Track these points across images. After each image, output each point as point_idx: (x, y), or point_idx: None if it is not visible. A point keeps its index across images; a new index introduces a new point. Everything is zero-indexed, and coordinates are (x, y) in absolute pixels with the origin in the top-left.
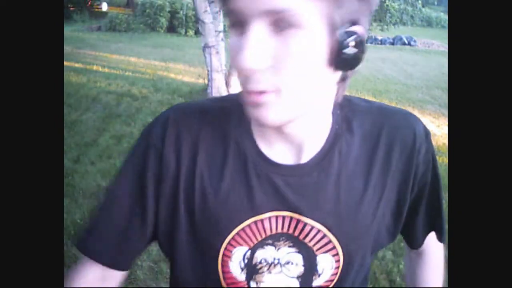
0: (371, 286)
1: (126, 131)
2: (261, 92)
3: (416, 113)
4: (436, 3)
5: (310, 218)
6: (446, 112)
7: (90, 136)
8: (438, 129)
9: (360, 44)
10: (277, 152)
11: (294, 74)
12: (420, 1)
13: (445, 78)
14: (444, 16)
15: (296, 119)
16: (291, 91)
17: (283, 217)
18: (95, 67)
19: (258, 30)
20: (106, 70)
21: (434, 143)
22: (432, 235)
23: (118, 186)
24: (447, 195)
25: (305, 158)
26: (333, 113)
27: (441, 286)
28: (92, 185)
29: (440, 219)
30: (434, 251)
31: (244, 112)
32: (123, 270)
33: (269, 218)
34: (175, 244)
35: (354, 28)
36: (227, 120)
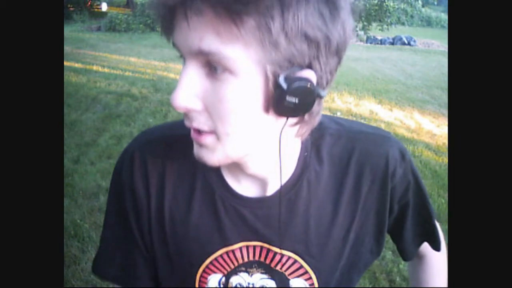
0: (371, 286)
1: (126, 131)
2: (200, 133)
3: (416, 113)
4: (436, 3)
5: (279, 247)
6: (446, 112)
7: (90, 136)
8: (438, 129)
9: (304, 92)
10: (244, 185)
11: (226, 119)
12: (420, 1)
13: (445, 78)
14: (444, 16)
15: (247, 159)
16: (227, 136)
17: (254, 247)
18: (95, 67)
19: (192, 69)
20: (106, 70)
21: (434, 142)
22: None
23: (107, 222)
24: (447, 195)
25: (272, 190)
26: (302, 140)
27: None
28: (92, 185)
29: (431, 230)
30: (435, 256)
31: None
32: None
33: (240, 248)
34: (157, 270)
35: (301, 74)
36: (192, 150)
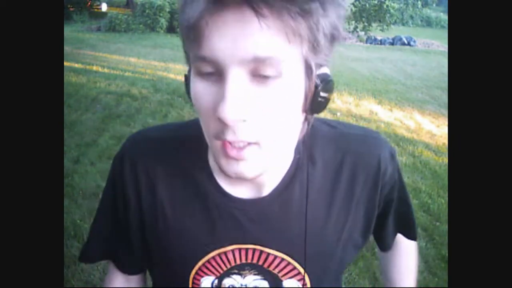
0: (371, 286)
1: (126, 132)
2: (240, 147)
3: (416, 113)
4: (435, 4)
5: (272, 248)
6: (446, 112)
7: (90, 136)
8: (438, 129)
9: (330, 86)
10: (237, 186)
11: (275, 124)
12: (419, 2)
13: (445, 78)
14: (444, 16)
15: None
16: (271, 142)
17: (246, 249)
18: (94, 68)
19: (239, 79)
20: (106, 70)
21: (433, 143)
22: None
23: (100, 211)
24: (447, 195)
25: (266, 191)
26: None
27: (414, 276)
28: (92, 186)
29: (409, 223)
30: (406, 246)
31: (200, 144)
32: (135, 273)
33: (232, 250)
34: (150, 270)
35: (323, 70)
36: (184, 154)
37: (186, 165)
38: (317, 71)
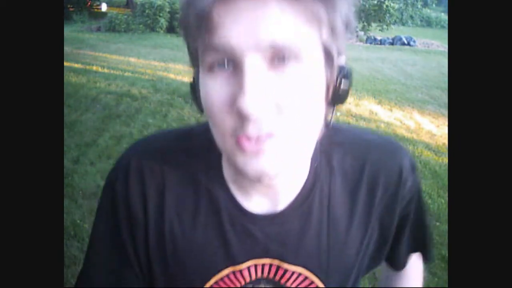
0: (371, 286)
1: (126, 132)
2: (260, 140)
3: (415, 113)
4: (435, 4)
5: (291, 263)
6: (446, 112)
7: (90, 136)
8: (438, 129)
9: (351, 75)
10: (253, 200)
11: (298, 113)
12: (419, 2)
13: (445, 78)
14: (444, 16)
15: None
16: (295, 133)
17: (263, 265)
18: (94, 68)
19: (257, 67)
20: (106, 70)
21: (433, 143)
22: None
23: (96, 236)
24: (447, 195)
25: (284, 204)
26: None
27: None
28: (92, 186)
29: (425, 242)
30: (412, 267)
31: (212, 154)
32: None
33: (248, 267)
34: None
35: (341, 61)
36: (194, 164)
37: (198, 177)
38: (337, 59)
